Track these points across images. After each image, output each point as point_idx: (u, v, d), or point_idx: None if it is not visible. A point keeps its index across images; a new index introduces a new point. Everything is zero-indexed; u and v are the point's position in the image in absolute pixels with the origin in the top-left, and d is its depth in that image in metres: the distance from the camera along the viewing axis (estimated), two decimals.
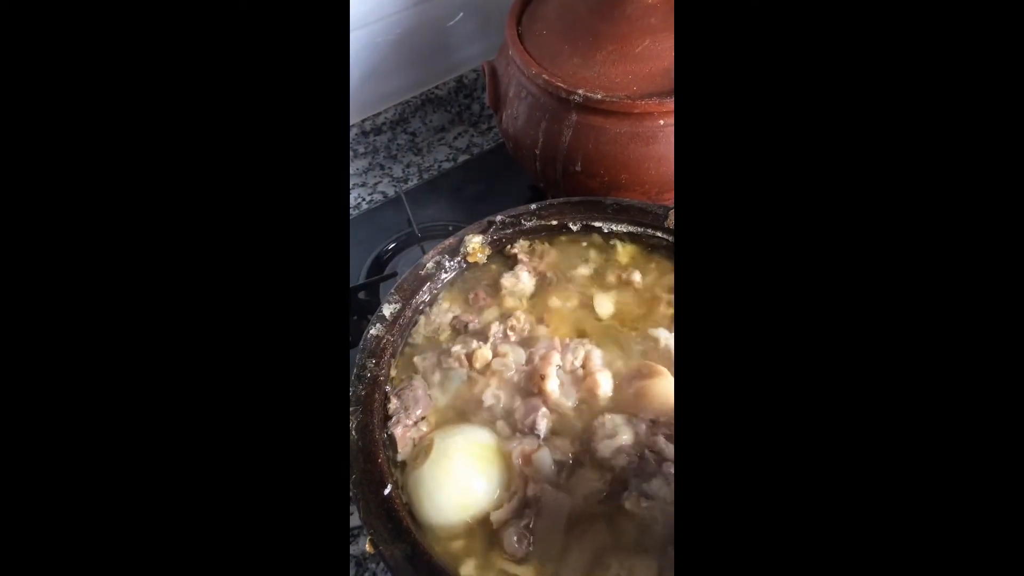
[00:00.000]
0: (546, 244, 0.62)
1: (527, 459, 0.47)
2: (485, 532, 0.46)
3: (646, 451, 0.47)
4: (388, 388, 0.53)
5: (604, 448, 0.47)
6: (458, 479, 0.46)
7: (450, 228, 0.82)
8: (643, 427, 0.48)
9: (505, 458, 0.48)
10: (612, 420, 0.48)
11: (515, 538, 0.45)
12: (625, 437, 0.47)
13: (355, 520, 0.63)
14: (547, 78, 0.66)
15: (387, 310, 0.56)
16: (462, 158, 0.92)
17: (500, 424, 0.50)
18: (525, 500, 0.46)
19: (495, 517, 0.46)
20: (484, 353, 0.53)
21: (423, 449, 0.49)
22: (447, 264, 0.60)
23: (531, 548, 0.45)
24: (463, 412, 0.52)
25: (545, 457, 0.47)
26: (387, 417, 0.51)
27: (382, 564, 0.62)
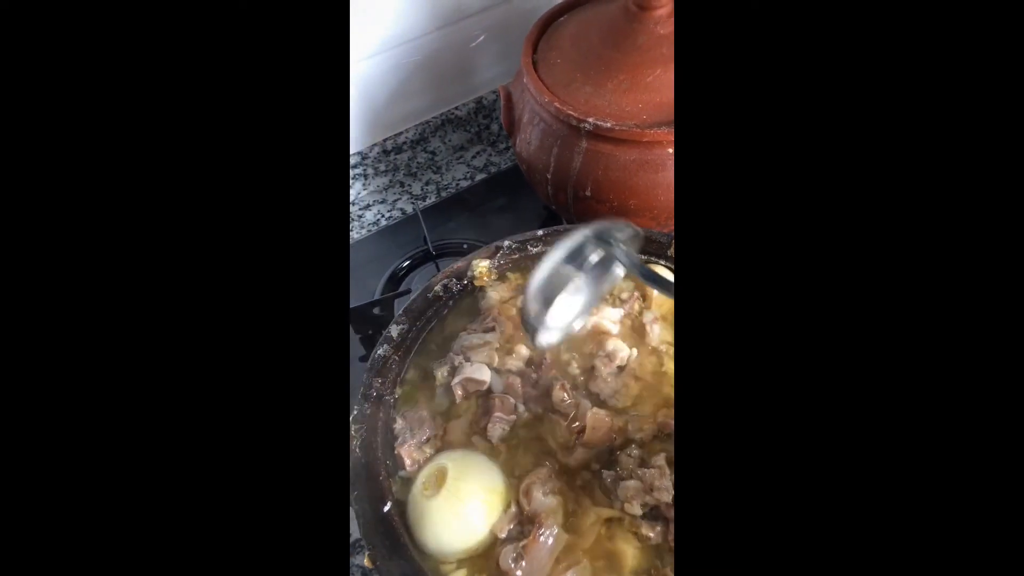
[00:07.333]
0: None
1: (527, 492, 0.48)
2: (479, 558, 0.48)
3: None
4: (393, 408, 0.55)
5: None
6: (467, 521, 0.47)
7: (464, 246, 0.84)
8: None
9: (511, 490, 0.50)
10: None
11: (511, 557, 0.46)
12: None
13: (356, 533, 0.66)
14: (559, 106, 0.68)
15: (394, 331, 0.58)
16: (479, 176, 0.94)
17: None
18: (521, 520, 0.48)
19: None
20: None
21: (433, 477, 0.49)
22: (455, 287, 0.62)
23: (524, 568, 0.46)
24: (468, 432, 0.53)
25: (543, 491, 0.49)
26: (393, 436, 0.53)
27: None
